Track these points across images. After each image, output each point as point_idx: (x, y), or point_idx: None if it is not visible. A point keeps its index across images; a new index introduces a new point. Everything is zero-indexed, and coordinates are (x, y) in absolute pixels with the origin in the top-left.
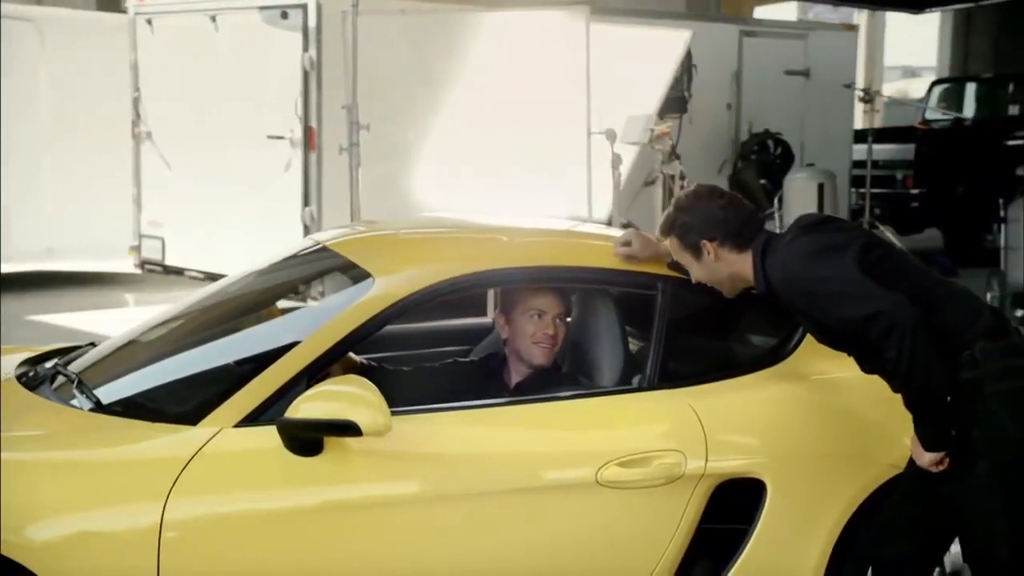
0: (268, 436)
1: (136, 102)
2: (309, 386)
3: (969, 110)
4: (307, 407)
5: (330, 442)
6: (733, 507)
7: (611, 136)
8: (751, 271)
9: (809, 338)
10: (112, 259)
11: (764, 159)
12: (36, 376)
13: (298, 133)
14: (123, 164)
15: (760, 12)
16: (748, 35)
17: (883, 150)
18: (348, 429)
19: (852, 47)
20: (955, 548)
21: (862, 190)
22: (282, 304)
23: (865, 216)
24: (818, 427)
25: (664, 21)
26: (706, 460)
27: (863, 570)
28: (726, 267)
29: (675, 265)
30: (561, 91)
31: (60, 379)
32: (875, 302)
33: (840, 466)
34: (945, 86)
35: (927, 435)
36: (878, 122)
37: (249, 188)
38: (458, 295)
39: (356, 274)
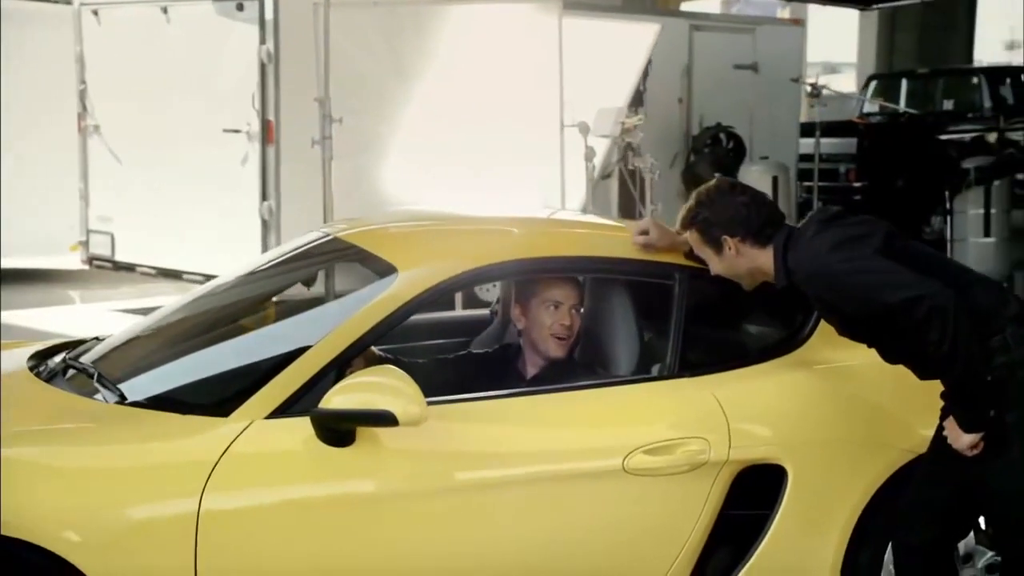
0: (300, 427)
1: (82, 95)
2: (337, 378)
3: (904, 105)
4: (342, 398)
5: (361, 433)
6: (752, 494)
7: (584, 129)
8: (771, 266)
9: (821, 327)
10: (58, 255)
11: (717, 152)
12: (49, 370)
13: (255, 127)
14: (70, 158)
15: (685, 8)
16: (698, 29)
17: (826, 144)
18: (384, 419)
19: (798, 41)
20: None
21: (808, 183)
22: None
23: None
24: (835, 413)
25: (632, 15)
26: (729, 447)
27: (881, 554)
28: (747, 262)
29: (691, 255)
30: (534, 84)
31: (70, 373)
32: (914, 287)
33: (858, 451)
34: (881, 81)
35: (967, 417)
36: (816, 117)
37: (204, 182)
38: (479, 286)
39: (379, 266)
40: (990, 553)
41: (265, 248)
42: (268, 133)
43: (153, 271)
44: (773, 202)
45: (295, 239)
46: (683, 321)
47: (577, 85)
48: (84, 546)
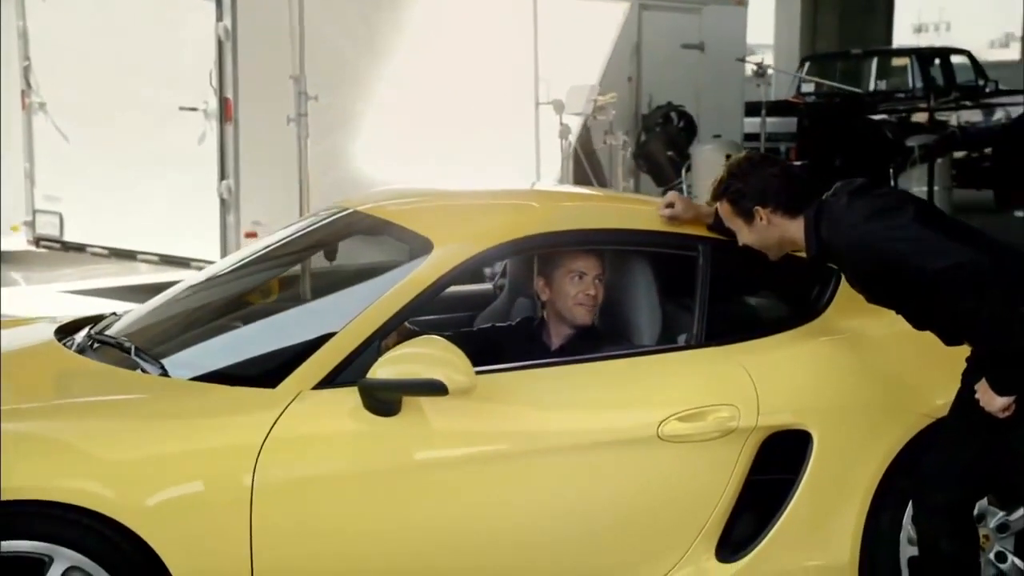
0: (346, 398)
1: (26, 71)
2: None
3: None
4: (391, 368)
5: (406, 403)
6: (776, 459)
7: (559, 107)
8: (801, 236)
9: (839, 296)
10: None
11: (669, 131)
12: (78, 345)
13: (213, 105)
14: (13, 137)
15: None
16: (646, 8)
17: (768, 123)
18: (434, 388)
19: (742, 21)
20: None
21: None
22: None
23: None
24: (857, 379)
25: None
26: (758, 414)
27: (900, 515)
28: (777, 232)
29: (714, 227)
30: (509, 62)
31: (97, 347)
32: (952, 255)
33: (878, 417)
34: (815, 62)
35: (1004, 380)
36: (752, 96)
37: (159, 160)
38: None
39: (415, 240)
40: (1001, 513)
41: (224, 227)
42: (226, 111)
43: (105, 251)
44: (802, 174)
45: (309, 215)
46: (708, 292)
47: (551, 63)
48: (145, 514)
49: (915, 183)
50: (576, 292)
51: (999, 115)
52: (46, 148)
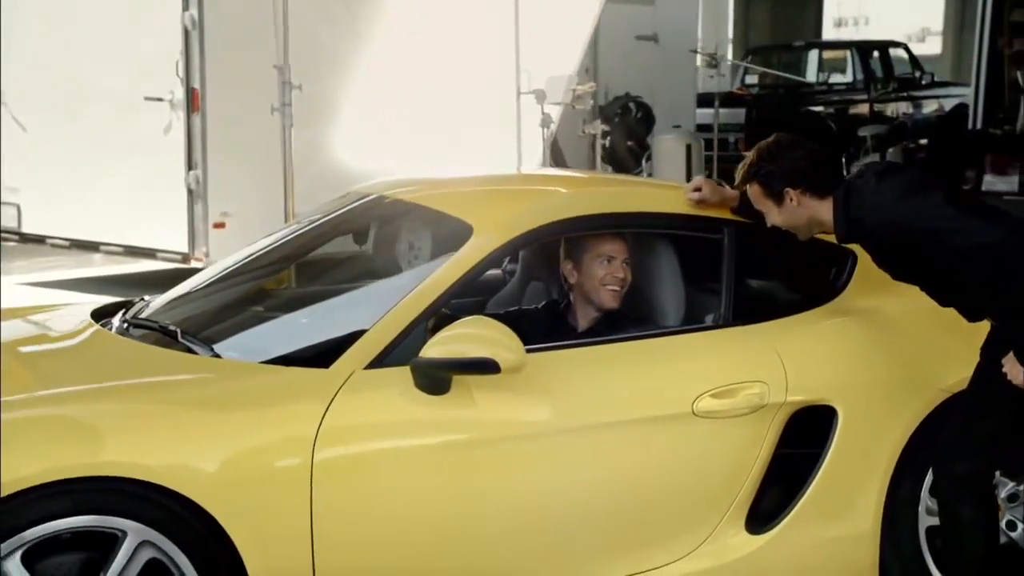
0: (397, 377)
1: None
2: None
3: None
4: (444, 347)
5: (456, 381)
6: (800, 434)
7: (540, 97)
8: (830, 216)
9: (856, 277)
10: None
11: (627, 121)
12: (117, 328)
13: (179, 95)
14: None
15: None
16: None
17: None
18: (487, 367)
19: (694, 13)
20: None
21: (707, 153)
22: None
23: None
24: (878, 356)
25: None
26: (786, 390)
27: (919, 486)
28: (806, 213)
29: (739, 211)
30: (491, 52)
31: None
32: (983, 233)
33: (899, 391)
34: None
35: None
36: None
37: (124, 151)
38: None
39: (454, 225)
40: (1012, 484)
41: (191, 218)
42: (193, 101)
43: (66, 243)
44: (831, 156)
45: (330, 201)
46: (735, 273)
47: (532, 53)
48: (212, 491)
49: None
50: (604, 275)
51: (935, 106)
52: (3, 138)
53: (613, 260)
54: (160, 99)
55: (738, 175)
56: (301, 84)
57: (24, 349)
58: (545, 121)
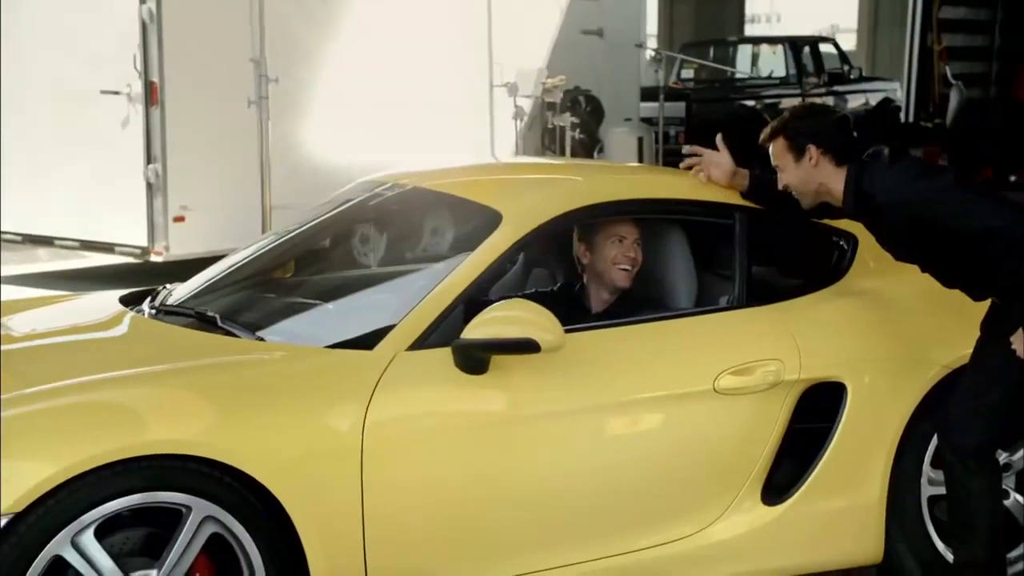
0: (438, 358)
1: None
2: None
3: (712, 72)
4: (484, 329)
5: (494, 361)
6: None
7: (513, 90)
8: (840, 187)
9: (859, 258)
10: None
11: (578, 114)
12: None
13: (137, 88)
14: None
15: None
16: None
17: (657, 108)
18: (527, 347)
19: (639, 8)
20: None
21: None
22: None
23: None
24: (883, 334)
25: None
26: (800, 367)
27: (920, 459)
28: (819, 176)
29: (747, 196)
30: (464, 46)
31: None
32: (994, 216)
33: (904, 367)
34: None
35: None
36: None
37: (79, 145)
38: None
39: (482, 212)
40: (1005, 454)
41: (151, 211)
42: (152, 95)
43: (19, 238)
44: (855, 135)
45: (343, 191)
46: (747, 255)
47: (505, 47)
48: (270, 468)
49: None
50: (616, 254)
51: (862, 100)
52: None
53: (625, 240)
54: (117, 92)
55: (764, 134)
56: (278, 77)
57: (66, 339)
58: (518, 113)
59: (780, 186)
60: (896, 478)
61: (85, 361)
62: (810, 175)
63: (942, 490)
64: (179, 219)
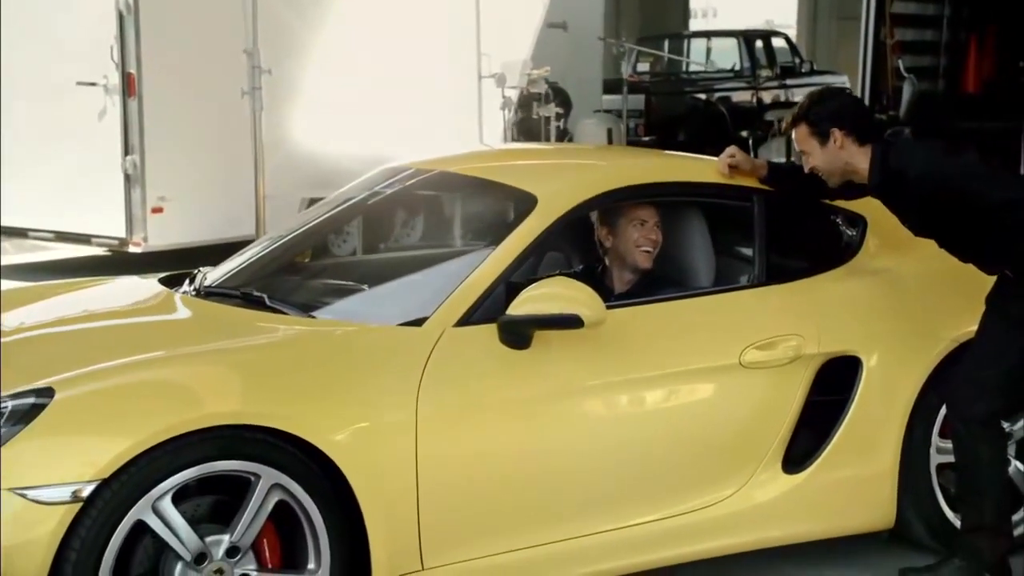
0: (483, 334)
1: None
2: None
3: (666, 64)
4: (529, 306)
5: (536, 337)
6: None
7: (501, 80)
8: (866, 165)
9: (869, 238)
10: None
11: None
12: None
13: (113, 80)
14: None
15: None
16: None
17: (617, 100)
18: (571, 322)
19: (600, 2)
20: None
21: None
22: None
23: None
24: (895, 309)
25: None
26: (819, 342)
27: (930, 428)
28: (845, 156)
29: (766, 180)
30: (453, 37)
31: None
32: (1018, 189)
33: (915, 341)
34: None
35: None
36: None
37: (55, 136)
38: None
39: (517, 195)
40: (1006, 424)
41: (128, 203)
42: (129, 86)
43: None
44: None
45: (366, 176)
46: (766, 236)
47: (493, 38)
48: (332, 439)
49: (774, 153)
50: (638, 236)
51: None
52: None
53: (646, 223)
54: (93, 84)
55: (786, 121)
56: (271, 69)
57: (119, 321)
58: (506, 104)
59: (807, 169)
60: (907, 447)
61: (150, 340)
62: (836, 156)
63: (950, 459)
64: (157, 210)
